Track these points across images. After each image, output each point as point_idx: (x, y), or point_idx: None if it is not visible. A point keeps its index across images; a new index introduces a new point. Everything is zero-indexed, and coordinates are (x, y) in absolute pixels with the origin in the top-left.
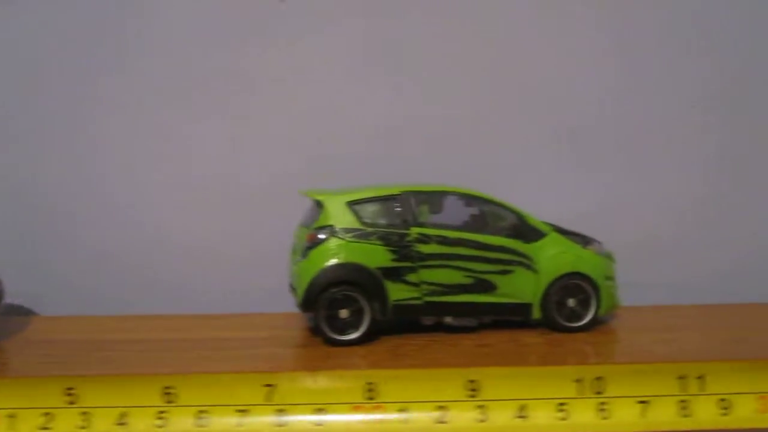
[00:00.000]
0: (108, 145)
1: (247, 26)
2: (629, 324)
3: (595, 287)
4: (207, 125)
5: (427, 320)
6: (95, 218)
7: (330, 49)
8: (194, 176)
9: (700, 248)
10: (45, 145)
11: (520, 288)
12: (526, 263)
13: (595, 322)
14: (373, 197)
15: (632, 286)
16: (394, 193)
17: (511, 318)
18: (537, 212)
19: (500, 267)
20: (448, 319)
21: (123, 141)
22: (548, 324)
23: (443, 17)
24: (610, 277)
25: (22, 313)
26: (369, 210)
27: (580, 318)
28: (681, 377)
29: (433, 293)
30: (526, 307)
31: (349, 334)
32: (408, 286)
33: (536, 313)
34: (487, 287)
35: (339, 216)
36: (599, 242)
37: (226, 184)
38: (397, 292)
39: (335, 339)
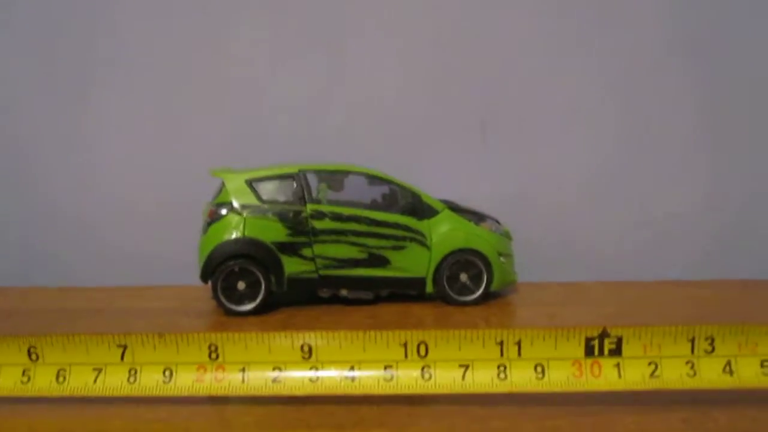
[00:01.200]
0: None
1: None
2: (527, 298)
3: (487, 263)
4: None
5: (323, 293)
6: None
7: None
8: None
9: (616, 227)
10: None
11: (413, 263)
12: (419, 239)
13: (486, 296)
14: (272, 175)
15: (546, 263)
16: (292, 172)
17: (405, 291)
18: (450, 194)
19: (393, 242)
20: (344, 292)
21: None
22: (441, 297)
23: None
24: (504, 254)
25: None
26: (267, 188)
27: (472, 292)
28: (499, 342)
29: (327, 267)
30: (419, 281)
31: (245, 305)
32: (303, 260)
33: (429, 287)
34: (380, 262)
35: (238, 193)
36: (495, 219)
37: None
38: (292, 266)
39: (232, 309)
